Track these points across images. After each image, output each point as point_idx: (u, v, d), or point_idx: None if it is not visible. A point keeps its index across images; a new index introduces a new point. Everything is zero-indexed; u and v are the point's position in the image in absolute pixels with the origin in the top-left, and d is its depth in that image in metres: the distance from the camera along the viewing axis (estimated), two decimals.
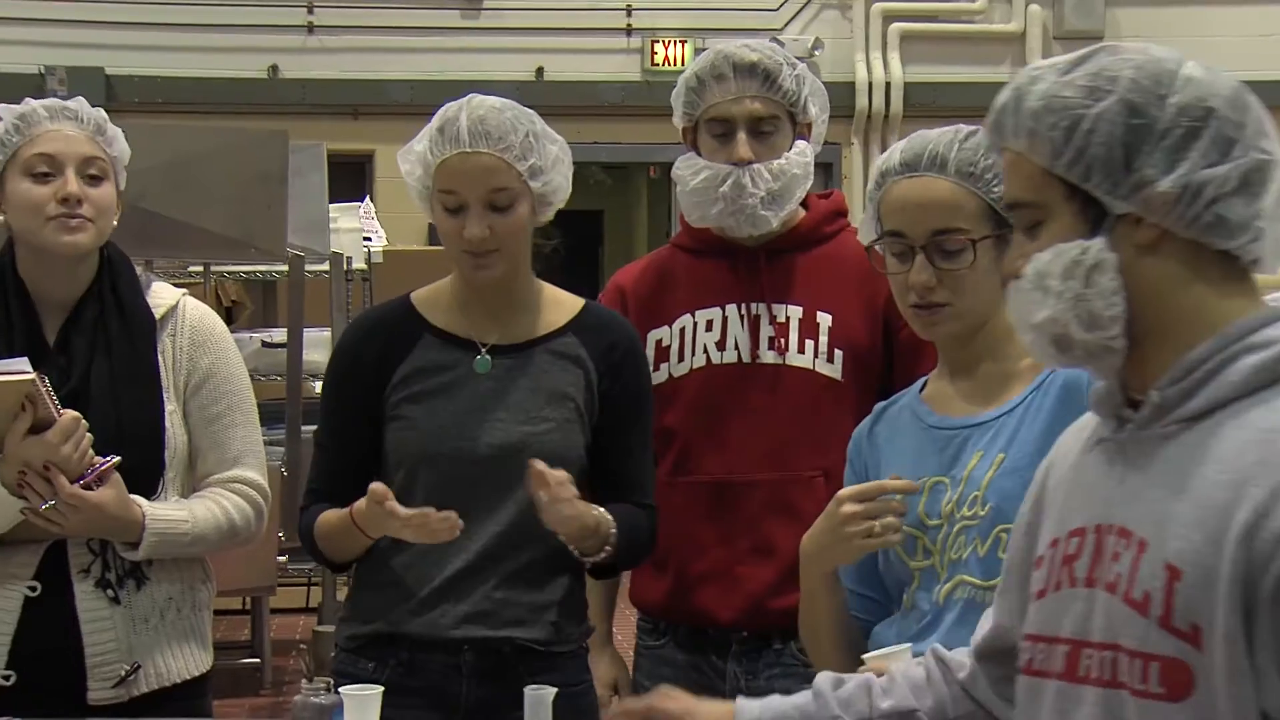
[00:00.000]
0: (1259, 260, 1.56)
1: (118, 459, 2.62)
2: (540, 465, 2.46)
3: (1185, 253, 1.53)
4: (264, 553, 5.97)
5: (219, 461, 2.77)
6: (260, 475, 2.81)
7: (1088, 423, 1.68)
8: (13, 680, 2.62)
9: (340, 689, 2.41)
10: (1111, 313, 1.53)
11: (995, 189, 2.19)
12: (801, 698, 1.90)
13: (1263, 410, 1.47)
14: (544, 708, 2.00)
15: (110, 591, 2.67)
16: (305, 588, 7.46)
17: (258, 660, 6.73)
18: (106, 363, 2.69)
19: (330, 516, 2.64)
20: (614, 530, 2.57)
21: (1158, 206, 1.51)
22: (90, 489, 2.59)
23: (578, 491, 2.49)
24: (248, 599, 6.99)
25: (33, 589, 2.64)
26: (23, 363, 2.55)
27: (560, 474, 2.46)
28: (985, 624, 1.85)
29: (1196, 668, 1.44)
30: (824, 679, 1.92)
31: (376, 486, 2.49)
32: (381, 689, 2.46)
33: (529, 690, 2.11)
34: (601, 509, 2.57)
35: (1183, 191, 1.51)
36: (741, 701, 1.92)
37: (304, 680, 2.40)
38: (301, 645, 7.03)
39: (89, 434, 2.60)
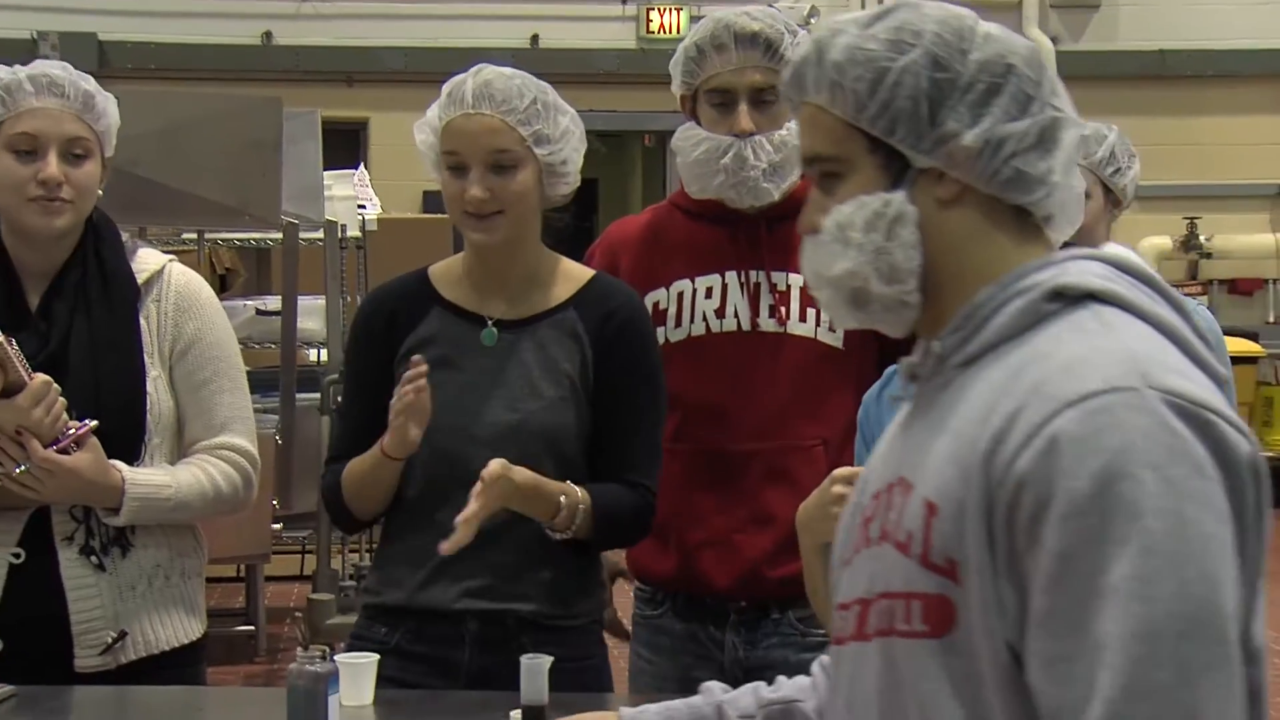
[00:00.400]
0: (1050, 218, 1.57)
1: (94, 423, 2.62)
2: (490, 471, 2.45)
3: (983, 208, 1.54)
4: (258, 520, 5.95)
5: (206, 428, 2.76)
6: (248, 442, 2.80)
7: None
8: (0, 647, 2.62)
9: (336, 656, 2.42)
10: (910, 266, 1.53)
11: None
12: (688, 699, 1.93)
13: (1020, 349, 1.47)
14: (539, 677, 1.98)
15: (94, 558, 2.66)
16: (300, 555, 7.47)
17: (252, 628, 6.74)
18: (86, 328, 2.69)
19: (359, 458, 2.64)
20: (582, 506, 2.56)
21: (961, 160, 1.51)
22: (66, 453, 2.58)
23: (509, 479, 2.47)
24: (242, 567, 6.99)
25: (16, 556, 2.64)
26: None
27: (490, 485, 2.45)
28: None
29: (958, 602, 1.43)
30: (714, 684, 1.95)
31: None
32: (376, 658, 2.49)
33: (525, 659, 2.10)
34: (570, 484, 2.57)
35: (985, 146, 1.51)
36: (624, 710, 1.95)
37: (299, 648, 2.40)
38: (296, 613, 7.04)
39: (64, 398, 2.59)
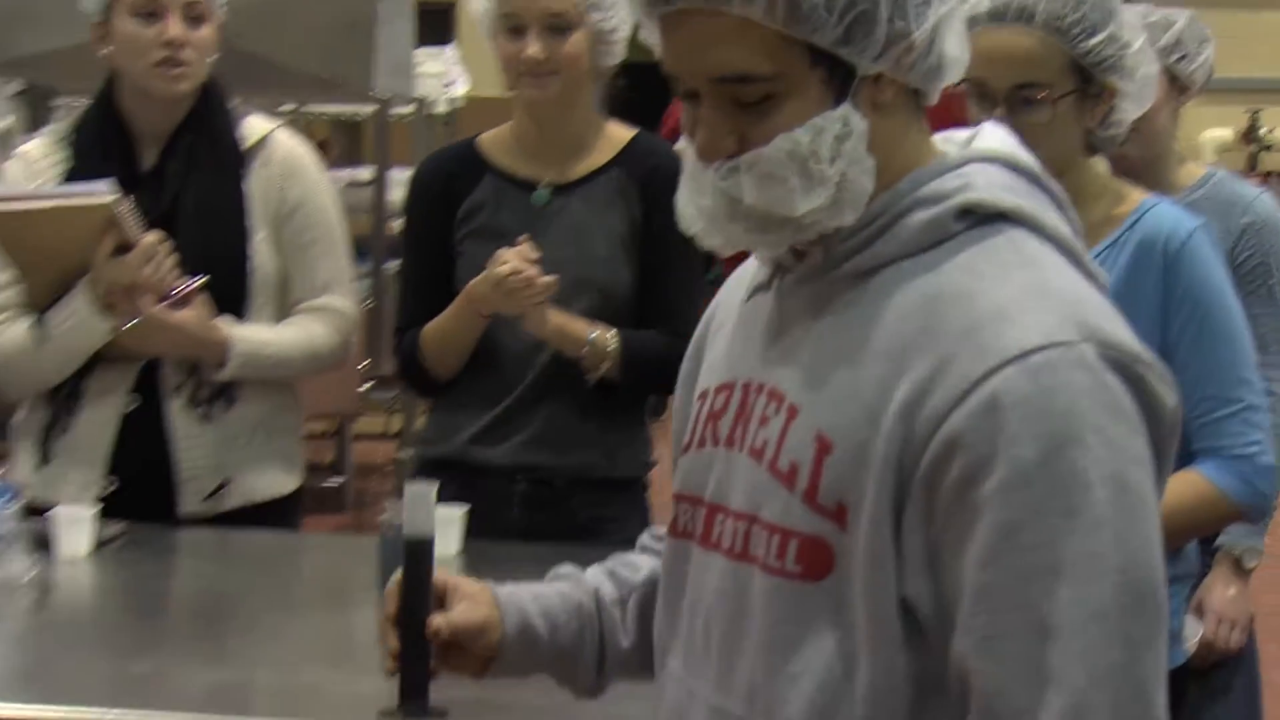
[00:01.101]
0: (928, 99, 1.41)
1: (202, 280, 2.72)
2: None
3: (905, 101, 1.37)
4: (349, 379, 6.16)
5: (309, 289, 2.86)
6: (348, 303, 2.90)
7: (755, 266, 1.49)
8: (114, 487, 2.76)
9: None
10: (870, 188, 1.34)
11: (1081, 43, 2.15)
12: (556, 586, 1.66)
13: (930, 275, 1.32)
14: (425, 505, 1.60)
15: (201, 410, 2.78)
16: (385, 416, 7.67)
17: (342, 479, 6.92)
18: (195, 189, 2.78)
19: (437, 320, 2.74)
20: (611, 348, 2.66)
21: (907, 60, 1.33)
22: (174, 309, 2.71)
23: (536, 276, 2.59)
24: (332, 423, 7.19)
25: (129, 403, 2.76)
26: (107, 186, 2.65)
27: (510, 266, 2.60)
28: None
29: (837, 548, 1.30)
30: (570, 568, 1.68)
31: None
32: (466, 508, 2.59)
33: (408, 486, 1.81)
34: (599, 325, 2.67)
35: (927, 38, 1.34)
36: (495, 588, 1.66)
37: (388, 500, 2.46)
38: (387, 468, 7.24)
39: (173, 256, 2.69)
